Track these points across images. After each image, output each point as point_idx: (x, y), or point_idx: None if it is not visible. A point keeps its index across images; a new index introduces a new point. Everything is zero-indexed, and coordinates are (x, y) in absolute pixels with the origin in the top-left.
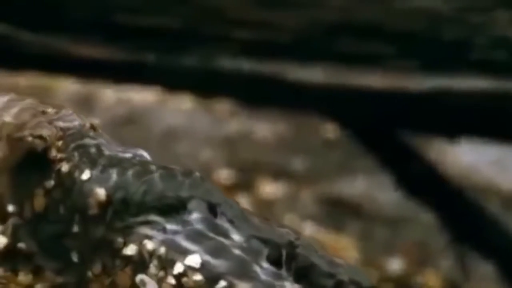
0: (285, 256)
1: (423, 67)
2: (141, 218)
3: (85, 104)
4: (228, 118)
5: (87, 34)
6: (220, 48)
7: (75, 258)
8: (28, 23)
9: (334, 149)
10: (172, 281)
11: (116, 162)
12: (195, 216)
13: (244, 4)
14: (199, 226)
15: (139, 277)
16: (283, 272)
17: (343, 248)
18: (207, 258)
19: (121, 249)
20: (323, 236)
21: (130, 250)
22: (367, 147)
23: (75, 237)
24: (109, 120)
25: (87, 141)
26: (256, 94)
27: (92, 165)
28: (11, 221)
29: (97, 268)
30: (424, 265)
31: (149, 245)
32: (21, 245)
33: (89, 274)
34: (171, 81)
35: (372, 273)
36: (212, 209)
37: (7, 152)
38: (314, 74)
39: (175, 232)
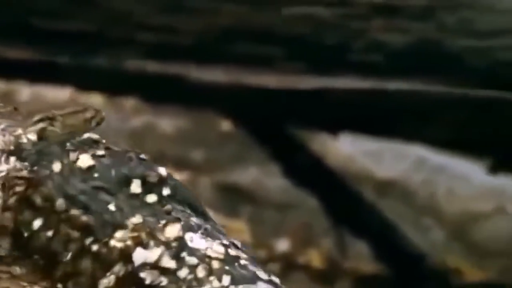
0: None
1: (309, 68)
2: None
3: (3, 101)
4: (134, 114)
5: (6, 37)
6: (127, 50)
7: (112, 207)
8: None
9: (230, 142)
10: (220, 248)
11: None
12: None
13: (149, 10)
14: None
15: (189, 234)
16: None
17: (237, 231)
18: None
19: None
20: (220, 220)
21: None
22: (259, 140)
23: (115, 193)
24: (25, 116)
25: None
26: (160, 92)
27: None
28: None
29: (137, 219)
30: (308, 245)
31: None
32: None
33: (127, 222)
34: (83, 80)
35: (262, 253)
36: None
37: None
38: (213, 74)
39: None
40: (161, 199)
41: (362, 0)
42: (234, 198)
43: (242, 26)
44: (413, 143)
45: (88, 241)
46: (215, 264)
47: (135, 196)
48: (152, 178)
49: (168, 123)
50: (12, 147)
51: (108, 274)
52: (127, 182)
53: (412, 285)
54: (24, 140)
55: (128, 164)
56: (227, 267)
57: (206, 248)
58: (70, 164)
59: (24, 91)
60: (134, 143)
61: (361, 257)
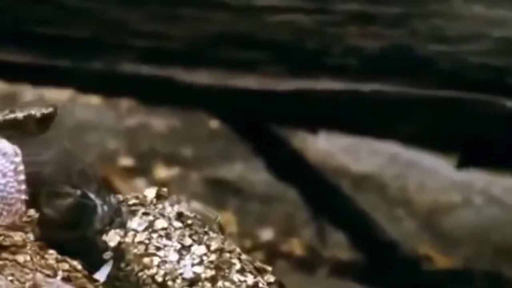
0: None
1: (290, 71)
2: None
3: (9, 102)
4: (129, 114)
5: (10, 43)
6: (122, 55)
7: None
8: None
9: (217, 139)
10: None
11: None
12: None
13: (141, 18)
14: None
15: None
16: None
17: (224, 222)
18: None
19: None
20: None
21: None
22: (244, 138)
23: None
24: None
25: None
26: (152, 94)
27: None
28: None
29: None
30: (290, 234)
31: None
32: None
33: None
34: (81, 82)
35: (247, 242)
36: None
37: None
38: (200, 77)
39: None
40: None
41: (339, 8)
42: (221, 191)
43: (227, 32)
44: (386, 140)
45: None
46: None
47: None
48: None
49: (160, 122)
50: None
51: None
52: None
53: (386, 270)
54: None
55: None
56: None
57: None
58: None
59: (27, 93)
60: (129, 140)
61: (339, 246)
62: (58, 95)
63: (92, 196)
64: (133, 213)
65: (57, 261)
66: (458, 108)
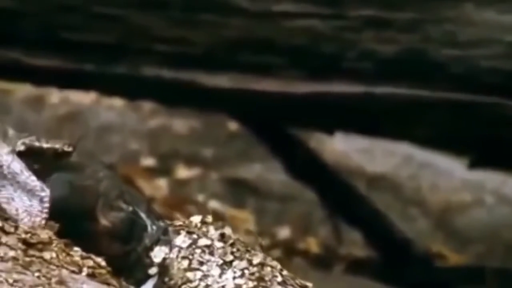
0: None
1: (307, 74)
2: None
3: (36, 104)
4: (151, 116)
5: (37, 48)
6: (145, 59)
7: None
8: None
9: (236, 141)
10: None
11: None
12: None
13: (164, 24)
14: None
15: None
16: None
17: (242, 220)
18: None
19: None
20: (227, 211)
21: None
22: (262, 139)
23: None
24: (55, 117)
25: None
26: (174, 96)
27: None
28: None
29: None
30: (307, 233)
31: None
32: None
33: None
34: (106, 86)
35: (265, 240)
36: None
37: None
38: (220, 80)
39: None
40: None
41: (355, 13)
42: (240, 191)
43: (246, 37)
44: (400, 141)
45: None
46: None
47: None
48: None
49: (181, 123)
50: None
51: None
52: None
53: (400, 268)
54: None
55: None
56: None
57: None
58: None
59: (54, 95)
60: (151, 141)
61: (354, 244)
62: (83, 98)
63: (142, 215)
64: (178, 232)
65: (82, 258)
66: (470, 110)
